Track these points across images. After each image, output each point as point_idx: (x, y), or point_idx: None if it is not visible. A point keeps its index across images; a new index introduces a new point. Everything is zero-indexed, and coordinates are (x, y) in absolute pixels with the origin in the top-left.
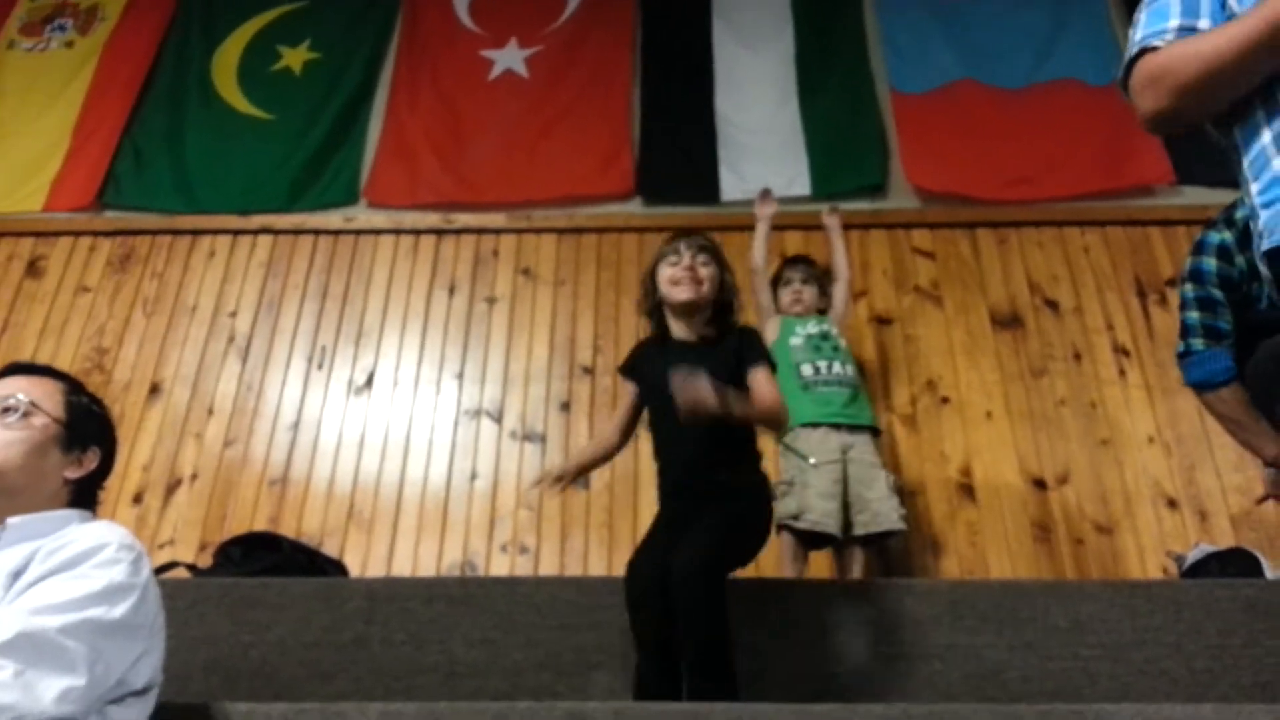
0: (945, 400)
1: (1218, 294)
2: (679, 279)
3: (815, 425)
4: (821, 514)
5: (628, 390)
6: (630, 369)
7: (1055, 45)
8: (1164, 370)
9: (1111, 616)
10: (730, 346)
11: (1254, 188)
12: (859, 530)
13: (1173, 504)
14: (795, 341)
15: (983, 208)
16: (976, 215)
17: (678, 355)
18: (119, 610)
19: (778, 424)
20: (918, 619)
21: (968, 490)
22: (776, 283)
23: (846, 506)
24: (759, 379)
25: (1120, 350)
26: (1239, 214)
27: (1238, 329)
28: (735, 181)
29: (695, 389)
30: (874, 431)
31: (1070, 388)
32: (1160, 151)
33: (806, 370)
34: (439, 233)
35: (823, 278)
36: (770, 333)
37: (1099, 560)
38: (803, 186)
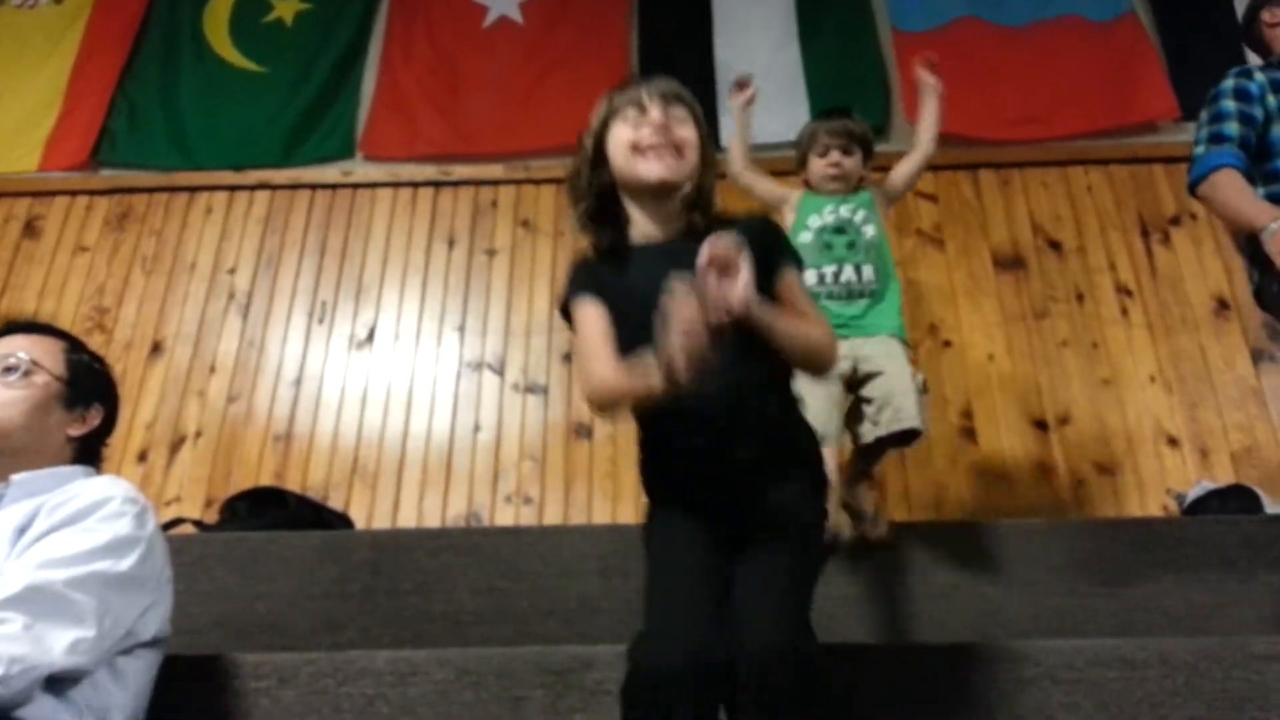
0: (947, 344)
1: (1230, 105)
2: (646, 144)
3: None
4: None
5: (591, 313)
6: (582, 289)
7: None
8: (1166, 309)
9: (1112, 554)
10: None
11: None
12: (882, 430)
13: (1174, 443)
14: (805, 237)
15: (985, 148)
16: (979, 156)
17: (657, 257)
18: (125, 563)
19: (823, 364)
20: (921, 561)
21: (969, 433)
22: (807, 153)
23: (856, 413)
24: (797, 290)
25: (1123, 290)
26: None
27: None
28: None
29: (725, 248)
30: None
31: (1072, 329)
32: (1165, 86)
33: (809, 278)
34: (437, 185)
35: (870, 141)
36: (785, 217)
37: (1100, 500)
38: None
